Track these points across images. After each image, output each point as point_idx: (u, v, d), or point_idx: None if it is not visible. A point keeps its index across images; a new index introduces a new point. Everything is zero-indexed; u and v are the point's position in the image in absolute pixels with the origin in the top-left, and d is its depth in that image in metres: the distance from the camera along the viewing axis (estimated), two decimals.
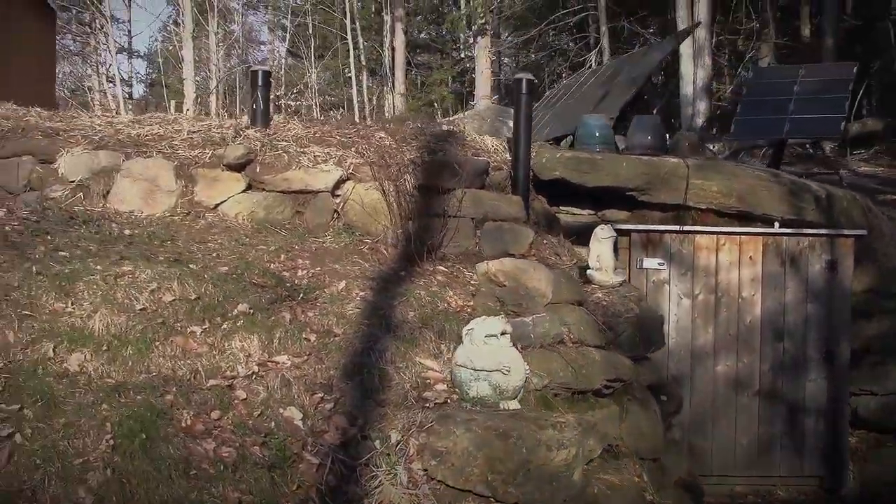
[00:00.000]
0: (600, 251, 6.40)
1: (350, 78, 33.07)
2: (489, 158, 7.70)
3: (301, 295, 5.40)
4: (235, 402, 4.49)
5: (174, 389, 4.43)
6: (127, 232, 6.10)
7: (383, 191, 6.95)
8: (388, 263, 6.24)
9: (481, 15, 25.54)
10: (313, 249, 6.23)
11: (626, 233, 7.81)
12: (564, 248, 7.33)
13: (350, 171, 7.07)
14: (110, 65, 34.77)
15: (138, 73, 39.90)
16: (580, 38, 24.54)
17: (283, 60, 37.90)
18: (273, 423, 4.41)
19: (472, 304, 5.63)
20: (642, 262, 7.81)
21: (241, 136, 7.22)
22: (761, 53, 24.30)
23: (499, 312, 5.29)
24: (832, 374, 7.96)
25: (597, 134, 8.30)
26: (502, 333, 4.71)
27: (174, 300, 5.05)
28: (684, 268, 7.88)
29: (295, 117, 7.77)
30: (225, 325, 4.97)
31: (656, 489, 5.30)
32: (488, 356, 4.65)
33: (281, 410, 4.52)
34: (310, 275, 5.75)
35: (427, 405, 4.66)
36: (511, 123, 17.49)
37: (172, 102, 34.68)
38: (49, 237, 5.75)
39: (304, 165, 6.97)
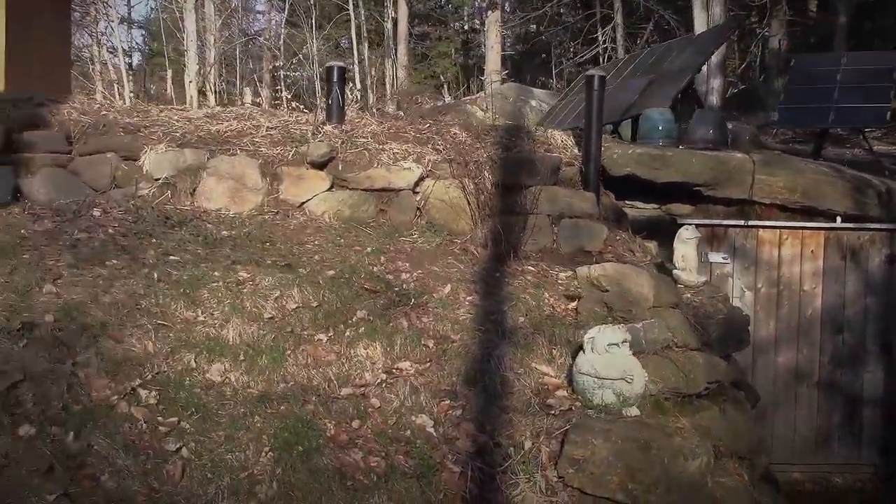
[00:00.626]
0: (685, 251, 6.54)
1: (351, 48, 32.86)
2: (559, 154, 7.80)
3: (412, 300, 5.51)
4: (370, 410, 4.62)
5: (313, 399, 4.55)
6: (224, 233, 6.18)
7: (463, 188, 7.06)
8: (481, 264, 6.36)
9: None
10: (408, 251, 6.33)
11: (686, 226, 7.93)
12: (637, 244, 7.45)
13: (429, 168, 7.16)
14: (111, 34, 34.56)
15: (137, 42, 39.23)
16: (591, 15, 24.47)
17: (282, 30, 37.56)
18: (409, 432, 4.54)
19: (573, 306, 5.76)
20: (707, 255, 7.96)
21: (320, 132, 7.28)
22: (773, 31, 24.38)
23: (606, 318, 5.43)
24: (889, 365, 8.16)
25: (660, 128, 8.41)
26: (623, 342, 4.84)
27: (297, 307, 5.16)
28: (748, 261, 8.04)
29: (367, 112, 7.78)
30: (348, 333, 5.09)
31: (752, 486, 5.48)
32: (612, 365, 4.78)
33: (413, 418, 4.65)
34: (413, 278, 5.85)
35: (552, 412, 4.79)
36: (533, 103, 17.59)
37: (170, 72, 34.47)
38: (154, 240, 5.83)
39: (385, 163, 7.05)
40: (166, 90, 37.07)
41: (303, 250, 6.05)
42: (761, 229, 8.03)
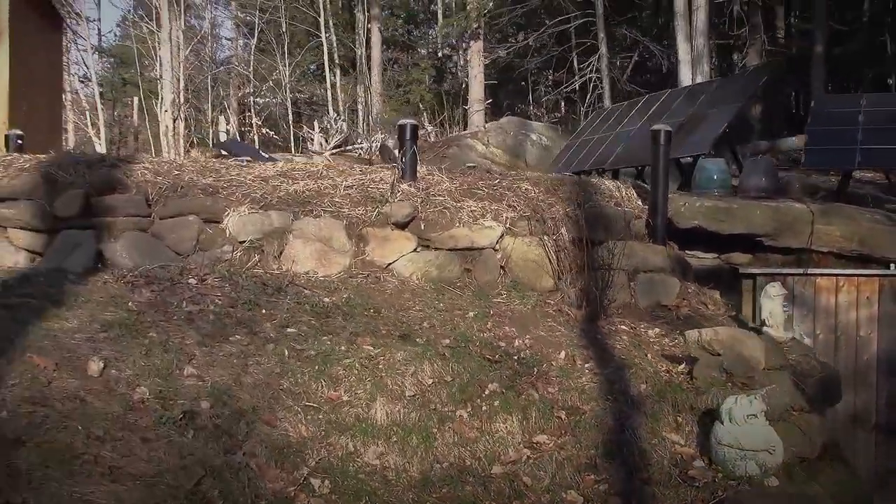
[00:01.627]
0: (772, 308, 6.67)
1: (323, 75, 32.81)
2: (626, 206, 7.91)
3: (534, 369, 5.56)
4: (524, 488, 4.66)
5: (470, 479, 4.59)
6: (327, 300, 6.17)
7: (544, 245, 7.15)
8: (579, 325, 6.43)
9: (475, 18, 25.58)
10: (508, 314, 6.37)
11: (752, 276, 8.08)
12: (707, 297, 7.59)
13: (507, 225, 7.23)
14: (83, 63, 34.13)
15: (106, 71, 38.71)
16: (577, 45, 24.78)
17: (252, 57, 37.32)
18: None
19: (682, 369, 5.82)
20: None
21: (398, 191, 7.30)
22: (750, 59, 24.97)
23: (726, 384, 5.53)
24: None
25: (715, 177, 8.58)
26: (761, 412, 4.94)
27: (433, 383, 5.18)
28: (806, 308, 8.19)
29: (436, 169, 7.82)
30: (484, 407, 5.12)
31: None
32: (753, 436, 4.87)
33: (564, 494, 4.70)
34: (526, 345, 5.90)
35: (695, 484, 4.85)
36: (534, 136, 17.74)
37: (136, 99, 34.03)
38: (264, 311, 5.80)
39: (465, 222, 7.11)
40: (131, 117, 36.74)
41: (410, 317, 6.06)
42: (819, 277, 8.20)
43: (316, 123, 25.43)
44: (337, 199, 7.20)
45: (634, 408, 5.34)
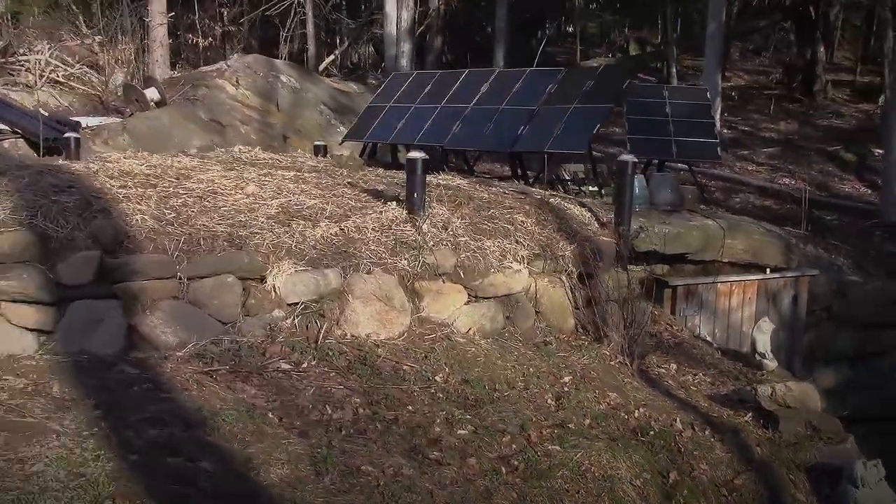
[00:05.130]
0: (764, 340, 7.53)
1: None
2: (594, 231, 8.19)
3: (671, 443, 5.83)
4: None
5: None
6: (405, 367, 5.93)
7: (564, 286, 7.34)
8: (640, 377, 6.81)
9: None
10: (591, 375, 6.55)
11: (673, 287, 8.96)
12: (665, 318, 8.34)
13: (526, 265, 7.24)
14: None
15: None
16: None
17: None
18: None
19: (749, 419, 6.46)
20: (684, 310, 9.05)
21: (426, 234, 6.91)
22: None
23: (816, 440, 6.27)
24: None
25: (637, 192, 9.15)
26: (883, 475, 5.79)
27: (642, 483, 5.27)
28: (709, 312, 9.28)
29: (436, 202, 7.51)
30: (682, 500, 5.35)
31: None
32: (884, 497, 5.72)
33: None
34: (643, 414, 6.13)
35: None
36: (283, 79, 17.09)
37: None
38: (410, 407, 5.39)
39: (496, 266, 6.99)
40: None
41: (532, 395, 5.98)
42: (720, 284, 9.29)
43: None
44: (373, 248, 6.65)
45: (766, 471, 5.90)
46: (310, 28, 24.30)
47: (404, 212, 7.17)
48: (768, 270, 9.67)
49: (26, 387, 4.92)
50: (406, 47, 23.14)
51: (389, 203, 7.38)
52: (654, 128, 12.28)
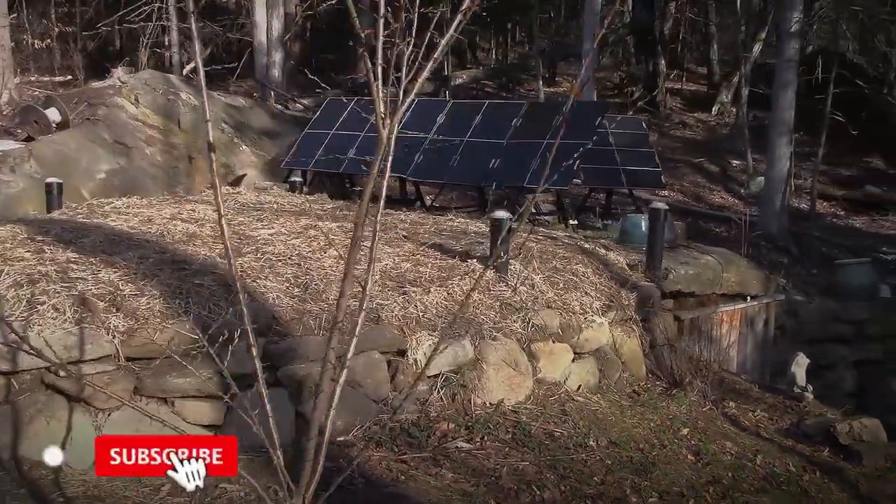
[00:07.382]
0: (801, 374, 8.19)
1: None
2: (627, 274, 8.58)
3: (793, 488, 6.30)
4: None
5: None
6: (556, 433, 6.07)
7: (636, 334, 7.68)
8: (724, 421, 7.21)
9: None
10: (700, 426, 6.87)
11: (679, 318, 9.53)
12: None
13: (601, 315, 7.53)
14: None
15: None
16: None
17: None
18: None
19: (827, 455, 7.06)
20: (687, 341, 9.65)
21: (517, 292, 7.04)
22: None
23: (892, 470, 6.95)
24: None
25: (642, 230, 9.62)
26: None
27: None
28: (706, 340, 9.94)
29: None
30: None
31: None
32: None
33: None
34: (757, 462, 6.55)
35: None
36: (184, 96, 16.53)
37: None
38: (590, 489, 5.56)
39: (583, 321, 7.23)
40: None
41: (658, 454, 6.21)
42: (714, 314, 9.97)
43: None
44: (484, 311, 6.72)
45: None
46: (174, 35, 23.29)
47: (491, 270, 7.26)
48: (749, 298, 10.46)
49: None
50: (278, 56, 22.73)
51: (470, 260, 7.44)
52: (602, 158, 12.85)
